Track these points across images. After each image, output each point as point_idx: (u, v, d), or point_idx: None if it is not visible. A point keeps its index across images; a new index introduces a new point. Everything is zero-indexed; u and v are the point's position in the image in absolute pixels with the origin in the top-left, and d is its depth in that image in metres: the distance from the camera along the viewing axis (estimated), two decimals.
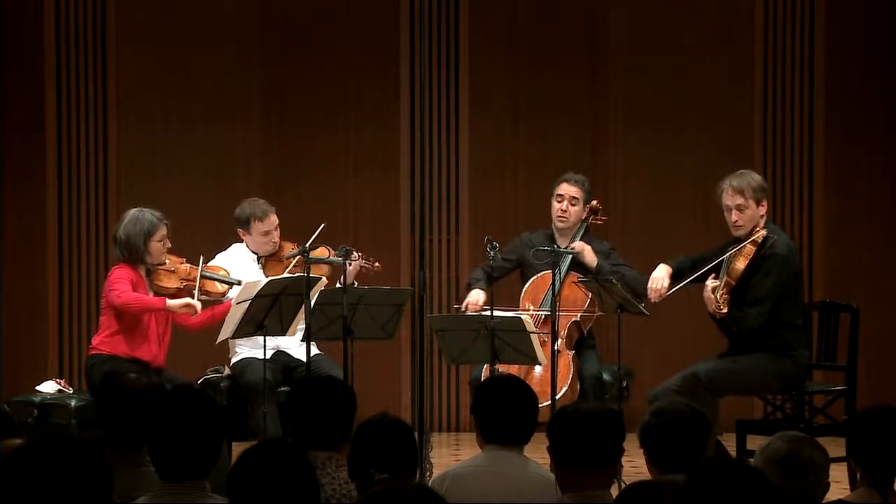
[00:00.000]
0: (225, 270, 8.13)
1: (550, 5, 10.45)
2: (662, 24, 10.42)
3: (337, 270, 8.02)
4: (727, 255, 7.57)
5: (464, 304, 8.14)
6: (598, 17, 10.45)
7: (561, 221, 8.24)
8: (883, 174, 10.40)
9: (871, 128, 10.39)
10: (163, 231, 7.90)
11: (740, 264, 7.53)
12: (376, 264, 8.05)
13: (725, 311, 7.47)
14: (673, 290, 7.73)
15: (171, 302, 7.87)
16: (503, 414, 4.77)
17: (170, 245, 7.96)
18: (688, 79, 10.39)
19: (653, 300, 7.74)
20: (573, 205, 8.23)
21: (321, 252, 7.87)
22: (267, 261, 8.27)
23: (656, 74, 10.39)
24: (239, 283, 7.96)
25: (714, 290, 7.50)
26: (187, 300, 7.88)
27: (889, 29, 10.39)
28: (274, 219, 8.25)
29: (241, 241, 8.33)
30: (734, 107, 10.42)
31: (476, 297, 8.12)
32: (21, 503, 3.10)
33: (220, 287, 8.04)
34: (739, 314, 7.52)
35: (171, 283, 7.97)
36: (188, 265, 8.02)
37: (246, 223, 8.26)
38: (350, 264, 7.86)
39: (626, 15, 10.44)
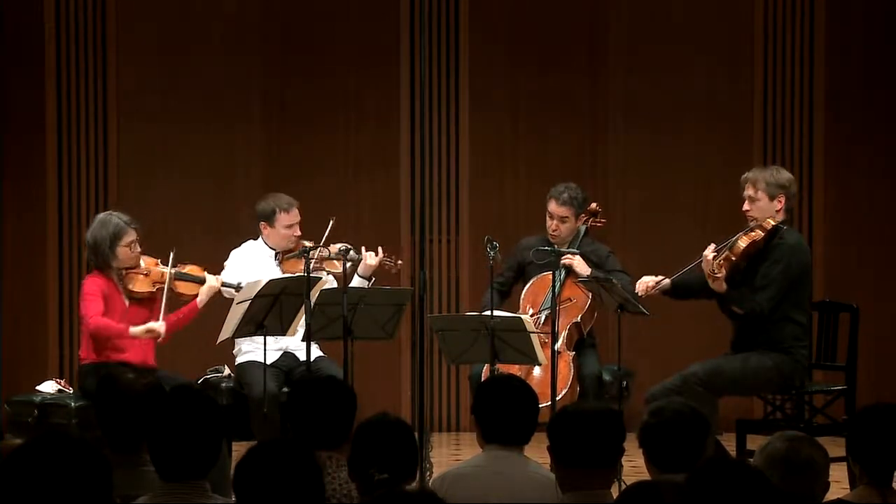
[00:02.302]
0: (200, 269, 8.06)
1: (550, 5, 10.45)
2: (662, 23, 10.42)
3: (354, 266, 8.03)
4: (734, 237, 7.60)
5: None
6: (598, 17, 10.45)
7: (553, 238, 8.26)
8: (883, 174, 10.40)
9: (871, 128, 10.39)
10: (131, 236, 7.81)
11: (742, 242, 7.56)
12: (399, 262, 8.10)
13: (720, 275, 7.46)
14: (668, 279, 7.70)
15: (133, 329, 7.74)
16: (503, 414, 4.77)
17: (140, 250, 7.89)
18: (688, 79, 10.39)
19: (639, 293, 7.74)
20: (563, 223, 8.25)
21: (334, 249, 7.88)
22: (284, 258, 8.22)
23: (656, 74, 10.39)
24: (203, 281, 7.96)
25: (714, 257, 7.50)
26: (150, 325, 7.76)
27: (889, 29, 10.39)
28: (297, 212, 8.26)
29: (255, 238, 8.33)
30: (734, 107, 10.42)
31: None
32: (21, 503, 3.10)
33: (195, 287, 7.98)
34: (742, 294, 7.52)
35: (144, 286, 7.87)
36: (162, 267, 7.90)
37: (270, 216, 8.25)
38: (370, 257, 7.92)
39: (626, 15, 10.44)
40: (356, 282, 7.99)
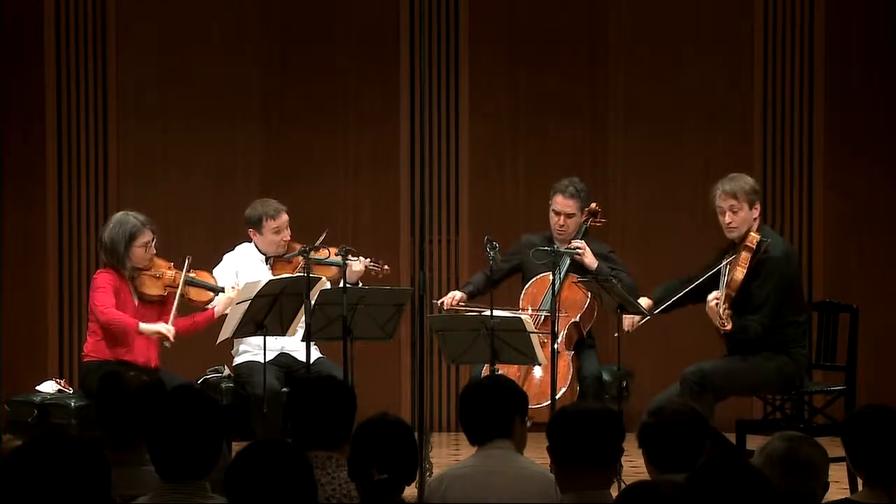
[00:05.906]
0: (213, 277, 8.08)
1: (550, 6, 10.45)
2: (662, 24, 10.42)
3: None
4: (723, 265, 7.56)
5: (440, 300, 8.21)
6: (598, 18, 10.45)
7: (560, 235, 8.25)
8: (883, 174, 10.40)
9: (871, 128, 10.39)
10: (147, 237, 7.82)
11: (738, 274, 7.53)
12: (385, 267, 8.08)
13: (730, 327, 7.47)
14: (657, 311, 7.74)
15: (144, 326, 7.79)
16: (486, 414, 4.79)
17: (154, 251, 7.89)
18: (688, 79, 10.39)
19: (626, 329, 7.80)
20: (570, 218, 8.23)
21: (323, 253, 7.88)
22: (276, 261, 8.25)
23: (656, 74, 10.39)
24: (223, 290, 7.93)
25: (717, 304, 7.47)
26: (159, 327, 7.78)
27: (889, 30, 10.39)
28: (285, 218, 8.27)
29: (249, 241, 8.33)
30: (734, 107, 10.42)
31: (452, 294, 8.20)
32: (21, 503, 3.10)
33: (206, 294, 7.98)
34: (742, 324, 7.52)
35: (155, 289, 7.89)
36: (174, 271, 7.92)
37: (258, 222, 8.25)
38: (356, 262, 7.89)
39: (626, 15, 10.44)
40: None
